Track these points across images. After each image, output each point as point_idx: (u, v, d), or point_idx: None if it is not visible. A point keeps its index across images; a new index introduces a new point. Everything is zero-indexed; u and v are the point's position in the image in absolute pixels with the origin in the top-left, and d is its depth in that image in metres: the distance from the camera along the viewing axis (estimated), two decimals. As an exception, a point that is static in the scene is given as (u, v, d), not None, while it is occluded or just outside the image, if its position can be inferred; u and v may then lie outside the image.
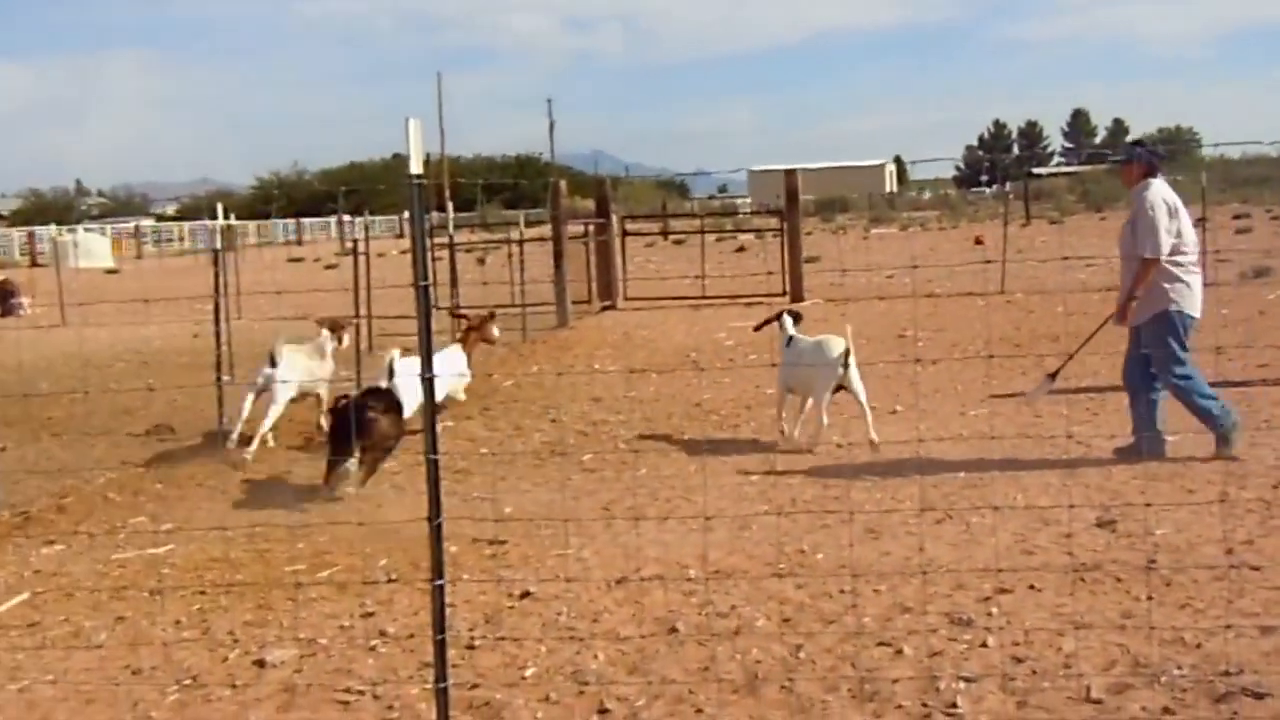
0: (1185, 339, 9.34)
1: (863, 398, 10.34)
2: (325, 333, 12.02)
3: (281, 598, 7.11)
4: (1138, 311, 9.40)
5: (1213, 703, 5.09)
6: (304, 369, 11.53)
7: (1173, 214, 9.26)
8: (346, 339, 12.42)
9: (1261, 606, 6.10)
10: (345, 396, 10.20)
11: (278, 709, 5.59)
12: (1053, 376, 10.39)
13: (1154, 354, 9.33)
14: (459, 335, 13.27)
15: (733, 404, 12.61)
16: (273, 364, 11.16)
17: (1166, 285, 9.24)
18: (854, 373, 10.32)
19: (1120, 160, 9.92)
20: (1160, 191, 9.33)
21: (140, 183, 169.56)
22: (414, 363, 10.44)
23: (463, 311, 14.56)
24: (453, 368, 12.13)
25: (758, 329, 11.81)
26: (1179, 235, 9.25)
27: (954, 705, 5.18)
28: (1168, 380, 9.34)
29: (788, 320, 11.19)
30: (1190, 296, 9.30)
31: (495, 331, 13.20)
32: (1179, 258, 9.27)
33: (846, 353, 10.28)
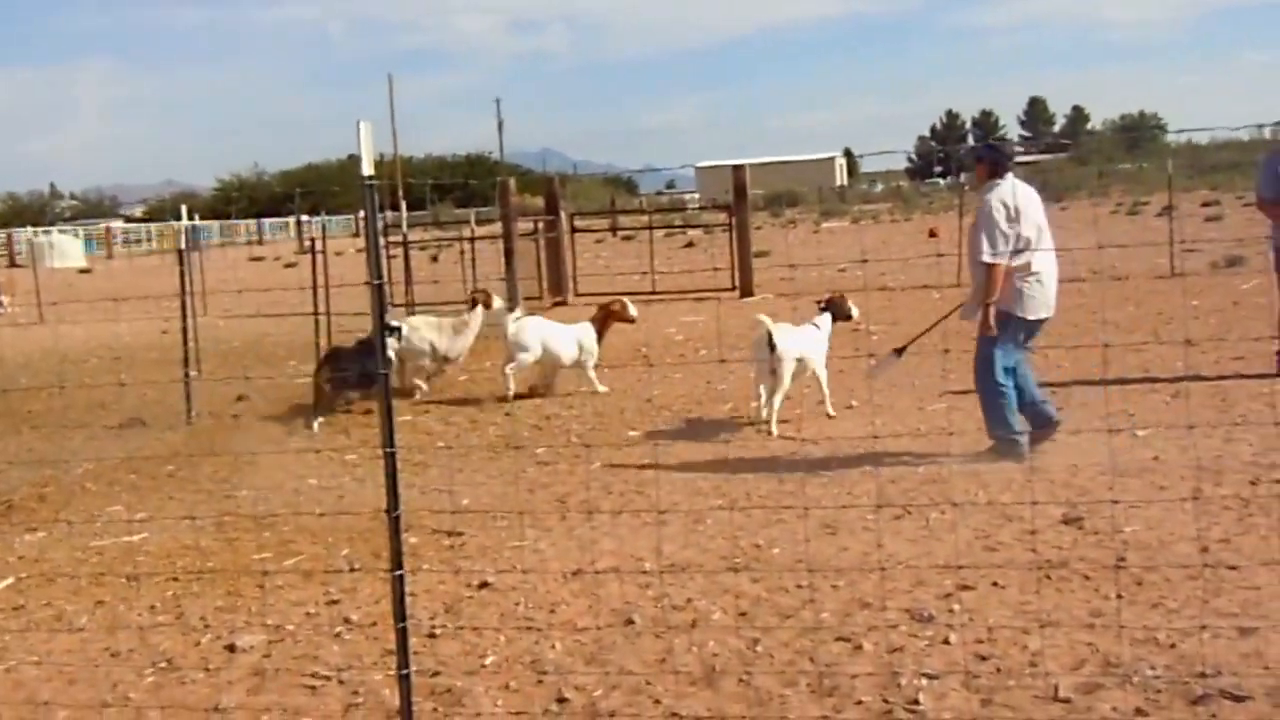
0: (1017, 342, 9.36)
1: (784, 383, 10.78)
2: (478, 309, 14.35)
3: (250, 585, 7.27)
4: (968, 311, 9.55)
5: (1189, 704, 4.97)
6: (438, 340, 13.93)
7: (1012, 217, 9.13)
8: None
9: (1239, 607, 5.95)
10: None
11: (248, 692, 5.73)
12: (899, 352, 10.68)
13: (978, 352, 9.41)
14: (595, 315, 14.11)
15: (684, 399, 12.74)
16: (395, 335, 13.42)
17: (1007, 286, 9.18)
18: (780, 357, 10.65)
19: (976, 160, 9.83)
20: (1001, 194, 9.22)
21: (110, 185, 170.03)
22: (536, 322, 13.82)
23: (480, 290, 15.45)
24: (572, 343, 13.54)
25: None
26: (1018, 238, 9.12)
27: (916, 702, 5.14)
28: (979, 382, 9.44)
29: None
30: (1025, 300, 9.22)
31: (633, 310, 14.27)
32: (1018, 260, 9.14)
33: (769, 337, 10.53)
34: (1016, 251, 9.12)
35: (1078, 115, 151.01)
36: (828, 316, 11.59)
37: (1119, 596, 6.19)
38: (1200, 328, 14.86)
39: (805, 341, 11.21)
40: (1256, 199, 12.01)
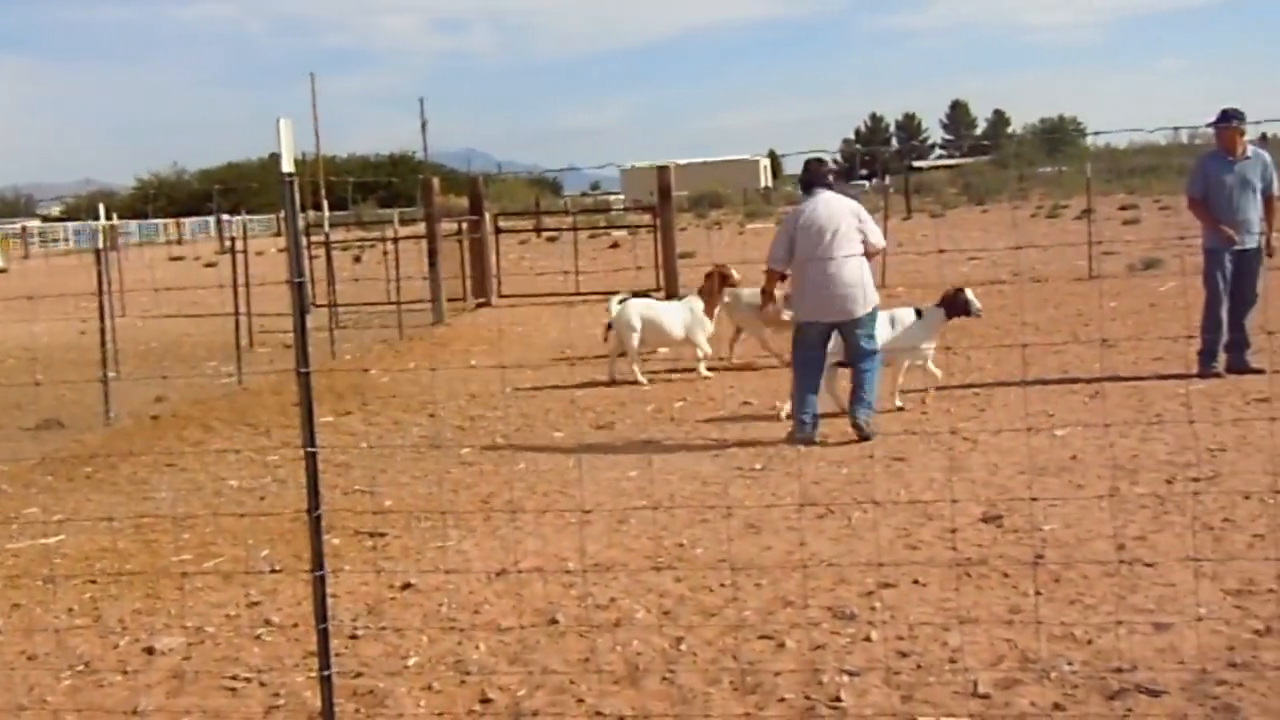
0: (802, 337, 10.32)
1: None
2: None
3: (169, 587, 7.18)
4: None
5: (1105, 699, 5.01)
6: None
7: (795, 226, 10.25)
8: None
9: (1155, 603, 6.03)
10: None
11: (167, 695, 5.66)
12: None
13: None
14: (702, 285, 14.19)
15: (608, 400, 12.75)
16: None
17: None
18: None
19: None
20: (802, 206, 10.36)
21: (26, 184, 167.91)
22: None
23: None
24: (678, 319, 13.89)
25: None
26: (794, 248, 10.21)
27: (837, 699, 5.15)
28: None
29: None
30: (798, 303, 10.35)
31: (735, 275, 14.20)
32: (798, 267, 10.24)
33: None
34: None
35: (999, 119, 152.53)
36: (940, 310, 11.24)
37: (1037, 593, 6.24)
38: (1118, 329, 15.06)
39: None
40: (1187, 199, 12.24)
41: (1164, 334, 13.96)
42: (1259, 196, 11.94)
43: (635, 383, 13.42)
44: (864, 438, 9.98)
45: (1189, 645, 5.49)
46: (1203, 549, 6.76)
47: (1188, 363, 11.97)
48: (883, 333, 10.65)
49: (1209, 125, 12.00)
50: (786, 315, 11.36)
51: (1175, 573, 6.40)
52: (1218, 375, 11.73)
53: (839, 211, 10.15)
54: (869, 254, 10.22)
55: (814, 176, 10.38)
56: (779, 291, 11.20)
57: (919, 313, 11.20)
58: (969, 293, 11.16)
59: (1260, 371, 11.66)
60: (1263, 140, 12.43)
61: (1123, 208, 41.47)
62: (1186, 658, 5.36)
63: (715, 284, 13.92)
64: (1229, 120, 11.82)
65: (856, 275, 10.03)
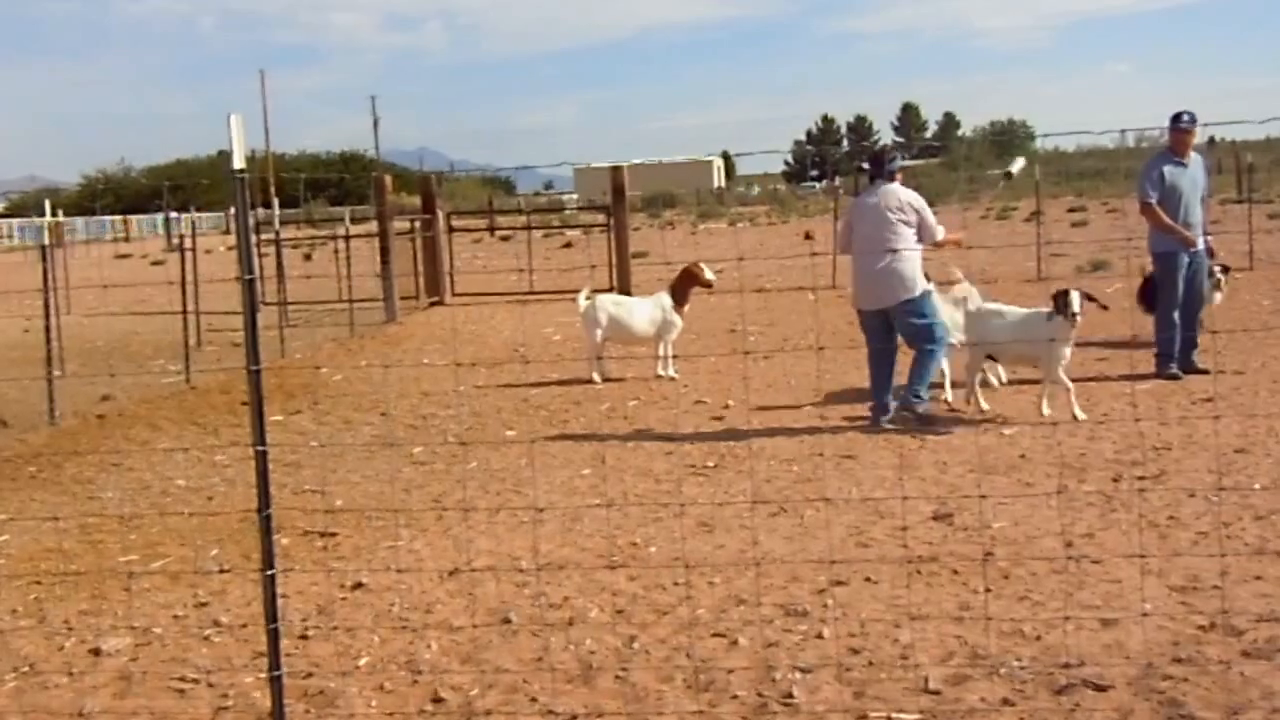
0: (864, 325, 10.82)
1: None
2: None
3: (116, 587, 7.12)
4: None
5: (1053, 694, 5.06)
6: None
7: (854, 216, 10.89)
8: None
9: (1101, 599, 6.11)
10: None
11: (114, 696, 5.60)
12: None
13: None
14: (673, 282, 14.02)
15: (561, 399, 12.74)
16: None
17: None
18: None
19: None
20: (864, 196, 10.86)
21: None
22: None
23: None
24: (646, 315, 13.76)
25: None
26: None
27: (790, 695, 5.17)
28: None
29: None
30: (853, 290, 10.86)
31: (710, 274, 14.01)
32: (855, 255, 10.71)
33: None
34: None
35: (949, 121, 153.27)
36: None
37: (987, 590, 6.30)
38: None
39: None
40: (1140, 203, 12.32)
41: (1110, 335, 14.07)
42: (1200, 198, 12.11)
43: (590, 381, 13.41)
44: (917, 419, 10.36)
45: (1135, 641, 5.55)
46: (1149, 546, 6.82)
47: (1133, 362, 12.09)
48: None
49: (1168, 126, 12.01)
50: None
51: (1122, 569, 6.46)
52: (1176, 377, 11.82)
53: (893, 203, 10.53)
54: (934, 244, 10.67)
55: (877, 168, 10.84)
56: None
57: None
58: None
59: (1206, 372, 11.83)
60: (1210, 143, 12.58)
61: (1071, 210, 41.83)
62: (1132, 653, 5.42)
63: (687, 282, 13.87)
64: (1192, 122, 11.88)
65: (898, 263, 10.38)
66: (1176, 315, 11.97)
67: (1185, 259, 11.99)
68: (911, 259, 10.38)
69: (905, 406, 10.39)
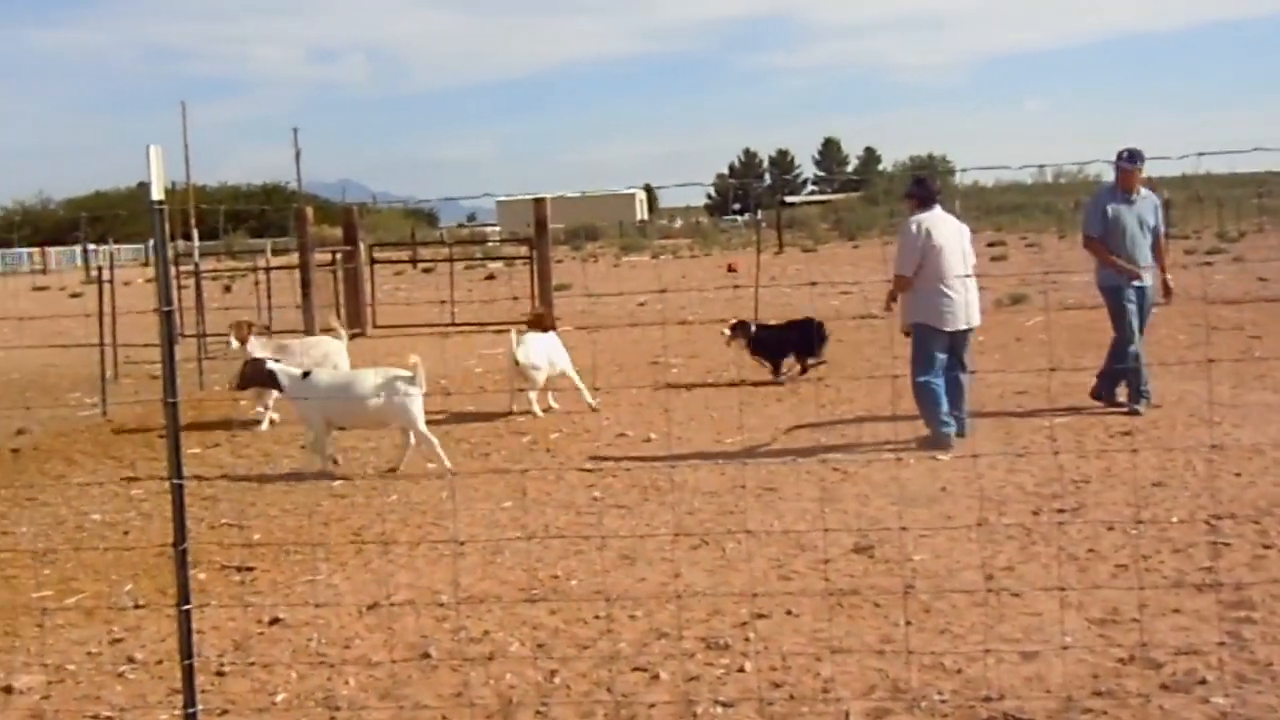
0: (932, 349, 10.76)
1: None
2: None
3: (28, 624, 6.99)
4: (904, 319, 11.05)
5: None
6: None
7: (925, 238, 10.77)
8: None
9: (1022, 632, 6.15)
10: None
11: (24, 736, 5.49)
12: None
13: (912, 355, 10.88)
14: (545, 322, 14.30)
15: (483, 431, 12.67)
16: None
17: (912, 299, 10.86)
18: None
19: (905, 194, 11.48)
20: (920, 219, 10.91)
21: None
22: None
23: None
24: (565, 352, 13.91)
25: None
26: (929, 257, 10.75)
27: None
28: (912, 380, 10.81)
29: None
30: (934, 312, 10.76)
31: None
32: (932, 278, 10.74)
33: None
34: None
35: (870, 156, 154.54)
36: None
37: (908, 623, 6.30)
38: (985, 361, 15.31)
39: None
40: (1083, 238, 12.41)
41: (1029, 367, 14.21)
42: (1150, 237, 12.08)
43: (529, 413, 13.33)
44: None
45: (1055, 674, 5.57)
46: (1068, 579, 6.87)
47: (1050, 396, 12.19)
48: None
49: (1115, 163, 12.01)
50: None
51: (1041, 602, 6.51)
52: (1123, 405, 11.89)
53: (956, 228, 11.10)
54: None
55: (929, 192, 11.11)
56: None
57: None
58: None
59: (1132, 411, 11.78)
60: (1147, 181, 12.52)
61: (990, 244, 42.22)
62: (1053, 686, 5.45)
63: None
64: (1132, 160, 11.88)
65: (975, 288, 11.10)
66: (1134, 348, 11.89)
67: (1130, 293, 11.93)
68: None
69: (960, 431, 10.82)
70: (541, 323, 14.11)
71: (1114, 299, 12.05)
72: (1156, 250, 12.21)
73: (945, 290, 10.74)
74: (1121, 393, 12.13)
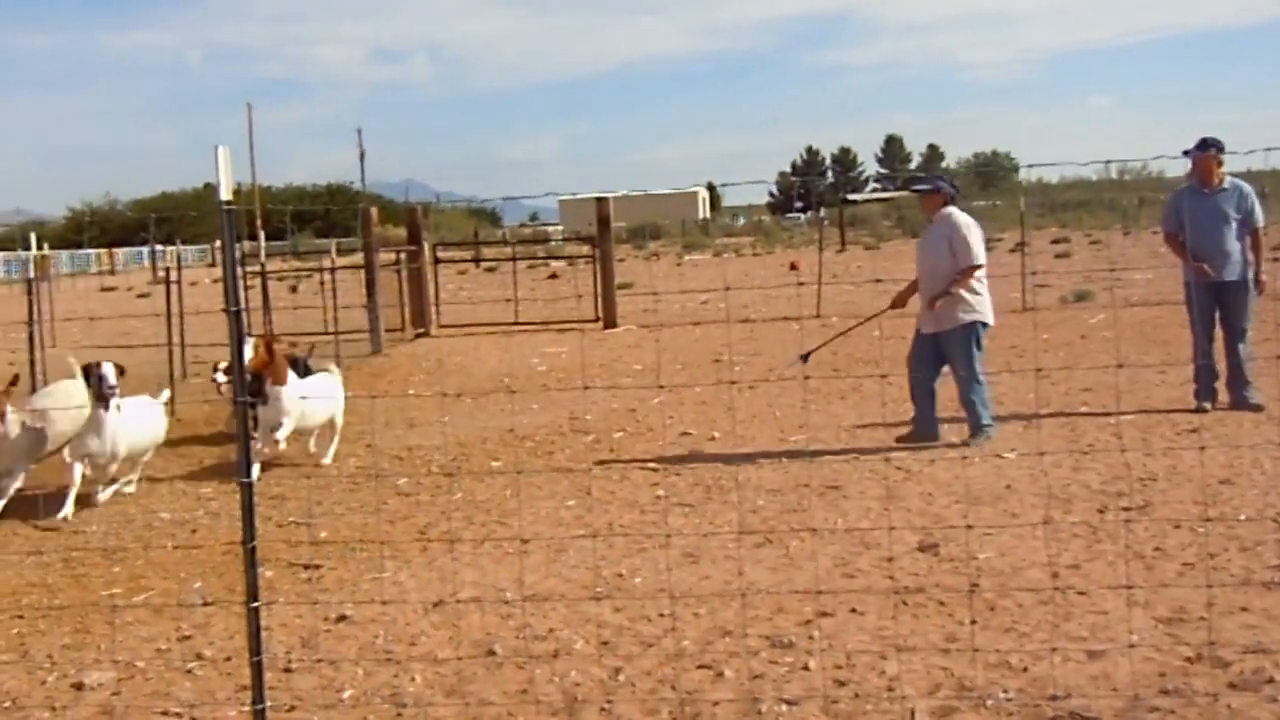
0: (982, 344, 10.94)
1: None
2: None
3: (99, 621, 7.08)
4: (942, 321, 10.76)
5: None
6: None
7: (979, 233, 11.03)
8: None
9: (1088, 630, 6.10)
10: None
11: (96, 732, 5.57)
12: (805, 357, 11.61)
13: (959, 356, 10.75)
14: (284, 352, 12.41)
15: (546, 430, 12.72)
16: None
17: (971, 298, 10.86)
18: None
19: (925, 190, 11.29)
20: (971, 218, 11.12)
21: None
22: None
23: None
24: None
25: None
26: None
27: None
28: (962, 377, 10.74)
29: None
30: (988, 307, 10.97)
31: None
32: (980, 274, 10.91)
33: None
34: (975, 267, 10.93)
35: (933, 153, 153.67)
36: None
37: (973, 621, 6.26)
38: (1050, 359, 15.21)
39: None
40: (1163, 233, 12.27)
41: (1094, 365, 14.08)
42: (1236, 228, 11.57)
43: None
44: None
45: (1122, 672, 5.53)
46: (1135, 577, 6.81)
47: (1116, 393, 12.08)
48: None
49: (1186, 153, 11.41)
50: None
51: (1108, 601, 6.46)
52: (1204, 410, 11.51)
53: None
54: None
55: (957, 191, 11.32)
56: None
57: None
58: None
59: (1260, 409, 11.45)
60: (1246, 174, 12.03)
61: (1055, 241, 41.89)
62: (1119, 685, 5.41)
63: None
64: (1207, 149, 11.35)
65: None
66: (1209, 347, 11.64)
67: (1209, 290, 11.55)
68: None
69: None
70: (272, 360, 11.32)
71: (1187, 296, 11.80)
72: (1252, 242, 11.66)
73: (986, 288, 11.01)
74: (1221, 389, 11.76)
